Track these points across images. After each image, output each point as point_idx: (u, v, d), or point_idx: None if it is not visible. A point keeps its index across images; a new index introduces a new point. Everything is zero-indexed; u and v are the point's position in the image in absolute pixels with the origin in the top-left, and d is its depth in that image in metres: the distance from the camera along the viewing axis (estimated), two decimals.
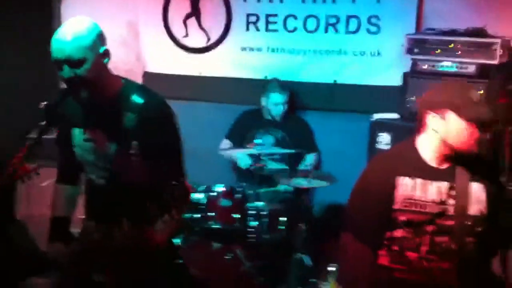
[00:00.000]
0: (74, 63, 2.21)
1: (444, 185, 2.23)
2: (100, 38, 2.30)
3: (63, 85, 2.30)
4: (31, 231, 3.91)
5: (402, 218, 2.23)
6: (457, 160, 2.24)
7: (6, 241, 3.27)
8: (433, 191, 2.22)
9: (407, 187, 2.23)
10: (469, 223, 2.21)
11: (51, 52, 2.24)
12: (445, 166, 2.25)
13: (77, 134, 2.44)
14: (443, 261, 2.22)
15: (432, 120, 2.20)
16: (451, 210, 2.21)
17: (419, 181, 2.23)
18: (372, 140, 3.78)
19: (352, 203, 2.36)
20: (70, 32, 2.22)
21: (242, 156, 4.09)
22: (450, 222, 2.21)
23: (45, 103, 2.29)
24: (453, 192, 2.22)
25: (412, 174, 2.24)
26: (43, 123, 2.24)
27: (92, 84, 2.27)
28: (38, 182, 2.66)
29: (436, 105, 2.18)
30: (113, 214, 2.40)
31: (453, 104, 2.14)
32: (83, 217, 2.59)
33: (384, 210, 2.24)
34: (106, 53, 2.31)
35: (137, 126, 2.33)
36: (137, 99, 2.36)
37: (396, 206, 2.23)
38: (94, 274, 2.43)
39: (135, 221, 2.32)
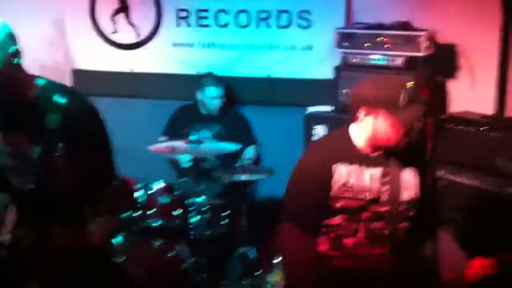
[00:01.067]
0: None
1: (378, 171, 2.29)
2: (9, 37, 2.18)
3: None
4: None
5: (338, 204, 2.28)
6: (386, 151, 2.30)
7: None
8: (367, 177, 2.28)
9: (342, 174, 2.27)
10: (402, 208, 2.29)
11: None
12: (377, 153, 2.31)
13: None
14: (378, 246, 2.29)
15: (362, 115, 2.26)
16: (384, 196, 2.28)
17: (353, 167, 2.28)
18: (308, 132, 3.86)
19: (289, 191, 2.37)
20: None
21: (182, 157, 4.06)
22: (384, 208, 2.28)
23: None
24: (386, 178, 2.28)
25: (346, 161, 2.28)
26: None
27: (3, 86, 2.17)
28: None
29: (367, 102, 2.23)
30: (43, 218, 2.31)
31: (383, 103, 2.19)
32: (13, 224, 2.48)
33: (321, 197, 2.28)
34: (17, 53, 2.19)
35: (62, 126, 2.24)
36: (59, 98, 2.27)
37: (332, 193, 2.27)
38: (27, 282, 2.35)
39: (68, 223, 2.25)
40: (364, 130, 2.29)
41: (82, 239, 2.29)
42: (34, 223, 2.34)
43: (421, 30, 3.71)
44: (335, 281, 2.33)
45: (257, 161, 4.42)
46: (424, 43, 3.66)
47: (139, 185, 3.63)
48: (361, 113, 2.26)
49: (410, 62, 3.70)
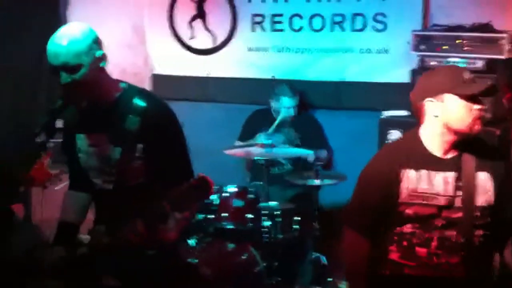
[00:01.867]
0: (71, 68, 2.21)
1: (450, 175, 2.19)
2: (96, 42, 2.28)
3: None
4: (46, 235, 3.93)
5: (409, 211, 2.20)
6: (462, 145, 2.20)
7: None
8: (439, 182, 2.18)
9: (411, 179, 2.19)
10: (477, 214, 2.18)
11: (47, 57, 2.24)
12: (450, 155, 2.21)
13: (80, 140, 2.44)
14: (452, 255, 2.19)
15: (430, 105, 2.17)
16: (458, 202, 2.18)
17: (424, 172, 2.19)
18: (382, 137, 3.80)
19: (353, 196, 2.32)
20: (65, 37, 2.22)
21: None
22: (458, 215, 2.18)
23: (52, 107, 2.32)
24: (460, 183, 2.18)
25: (416, 166, 2.19)
26: (49, 127, 2.27)
27: (90, 89, 2.27)
28: (52, 186, 2.69)
29: (431, 91, 2.16)
30: (122, 216, 2.35)
31: (447, 84, 2.13)
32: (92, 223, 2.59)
33: (389, 204, 2.21)
34: (103, 57, 2.30)
35: (141, 129, 2.33)
36: (139, 102, 2.36)
37: (401, 199, 2.19)
38: (104, 278, 2.44)
39: (145, 221, 2.28)
40: (434, 127, 2.20)
41: (158, 235, 2.32)
42: (113, 221, 2.40)
43: (503, 32, 3.57)
44: None
45: (329, 165, 4.38)
46: (506, 45, 3.53)
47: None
48: (425, 108, 2.19)
49: (491, 65, 3.57)
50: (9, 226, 3.03)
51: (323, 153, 4.27)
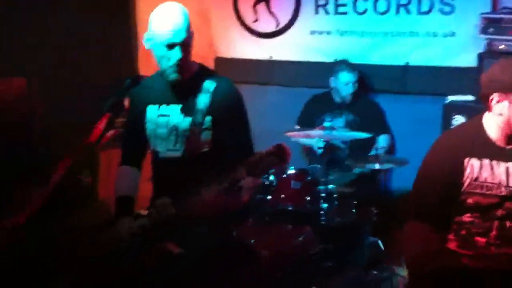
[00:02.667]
0: (185, 45, 2.40)
1: (511, 165, 2.14)
2: (190, 22, 2.45)
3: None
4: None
5: (470, 201, 2.16)
6: None
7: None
8: (501, 172, 2.14)
9: (474, 168, 2.15)
10: None
11: (160, 36, 2.40)
12: None
13: (151, 110, 2.60)
14: (511, 246, 2.14)
15: (496, 99, 2.12)
16: None
17: (486, 161, 2.15)
18: (446, 122, 3.70)
19: (417, 185, 2.29)
20: (176, 16, 2.40)
21: (315, 143, 4.11)
22: None
23: (129, 79, 2.45)
24: None
25: (478, 154, 2.16)
26: (123, 95, 2.40)
27: (183, 65, 2.45)
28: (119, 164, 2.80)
29: (502, 85, 2.10)
30: (186, 185, 2.46)
31: None
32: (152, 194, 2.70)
33: (451, 192, 2.17)
34: (193, 36, 2.48)
35: (210, 106, 2.50)
36: (210, 81, 2.54)
37: (463, 188, 2.16)
38: (171, 247, 2.51)
39: (219, 186, 2.37)
40: (497, 119, 2.15)
41: (230, 200, 2.42)
42: (178, 189, 2.48)
43: None
44: (463, 280, 2.20)
45: (391, 151, 4.32)
46: None
47: (271, 170, 3.72)
48: (493, 100, 2.13)
49: None
50: (79, 196, 3.17)
51: (386, 140, 4.23)
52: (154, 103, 2.60)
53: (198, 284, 2.49)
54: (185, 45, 2.41)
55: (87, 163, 3.02)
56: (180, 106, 2.55)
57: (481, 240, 2.19)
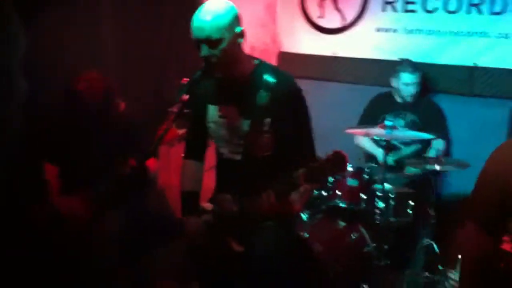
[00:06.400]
0: (213, 42, 2.35)
1: None
2: (237, 19, 2.42)
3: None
4: (169, 200, 4.15)
5: None
6: None
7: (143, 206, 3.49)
8: None
9: None
10: None
11: (192, 31, 2.40)
12: None
13: (212, 110, 2.59)
14: None
15: None
16: None
17: None
18: None
19: (476, 188, 2.23)
20: (210, 13, 2.37)
21: (378, 153, 4.09)
22: None
23: (187, 79, 2.47)
24: None
25: None
26: (185, 97, 2.41)
27: (227, 63, 2.41)
28: (179, 153, 2.87)
29: None
30: (247, 187, 2.47)
31: None
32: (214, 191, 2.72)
33: (507, 200, 2.10)
34: (242, 34, 2.44)
35: (270, 103, 2.45)
36: (269, 78, 2.48)
37: None
38: (233, 244, 2.53)
39: (276, 191, 2.39)
40: None
41: (286, 206, 2.43)
42: (238, 191, 2.53)
43: None
44: None
45: (445, 155, 4.21)
46: None
47: None
48: None
49: None
50: (144, 183, 3.29)
51: (442, 144, 4.14)
52: (214, 103, 2.59)
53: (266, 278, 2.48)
54: (214, 42, 2.35)
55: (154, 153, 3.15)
56: (239, 106, 2.52)
57: None
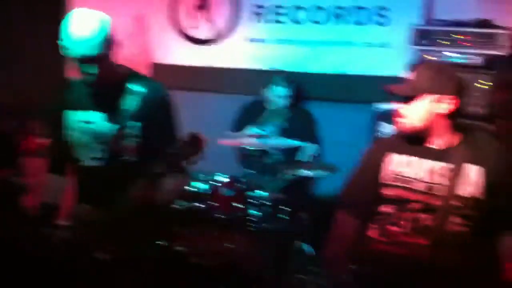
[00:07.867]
0: (88, 59, 2.33)
1: (436, 164, 2.23)
2: (109, 30, 2.40)
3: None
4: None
5: (389, 193, 2.28)
6: (451, 136, 2.27)
7: None
8: (423, 169, 2.24)
9: (395, 163, 2.28)
10: (457, 203, 2.18)
11: (63, 47, 2.34)
12: (441, 147, 2.25)
13: (74, 116, 2.53)
14: (422, 237, 2.21)
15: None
16: (438, 190, 2.20)
17: (410, 158, 2.26)
18: (376, 130, 3.76)
19: (348, 179, 2.46)
20: (83, 28, 2.32)
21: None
22: (436, 201, 2.20)
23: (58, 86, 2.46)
24: (444, 172, 2.21)
25: (402, 151, 2.29)
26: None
27: (100, 74, 2.39)
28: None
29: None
30: (108, 192, 2.44)
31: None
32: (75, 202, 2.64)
33: (374, 185, 2.32)
34: (116, 44, 2.43)
35: (139, 110, 2.48)
36: (140, 86, 2.51)
37: (383, 180, 2.29)
38: (97, 253, 2.42)
39: (144, 183, 2.42)
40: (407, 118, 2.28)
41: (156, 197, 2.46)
42: (100, 197, 2.50)
43: (504, 28, 3.53)
44: (377, 265, 2.30)
45: (317, 159, 4.33)
46: (506, 42, 3.48)
47: (203, 177, 3.68)
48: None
49: (490, 62, 3.53)
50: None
51: (313, 149, 4.24)
52: (78, 108, 2.54)
53: None
54: (89, 58, 2.34)
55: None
56: (103, 112, 2.51)
57: (395, 229, 2.28)
